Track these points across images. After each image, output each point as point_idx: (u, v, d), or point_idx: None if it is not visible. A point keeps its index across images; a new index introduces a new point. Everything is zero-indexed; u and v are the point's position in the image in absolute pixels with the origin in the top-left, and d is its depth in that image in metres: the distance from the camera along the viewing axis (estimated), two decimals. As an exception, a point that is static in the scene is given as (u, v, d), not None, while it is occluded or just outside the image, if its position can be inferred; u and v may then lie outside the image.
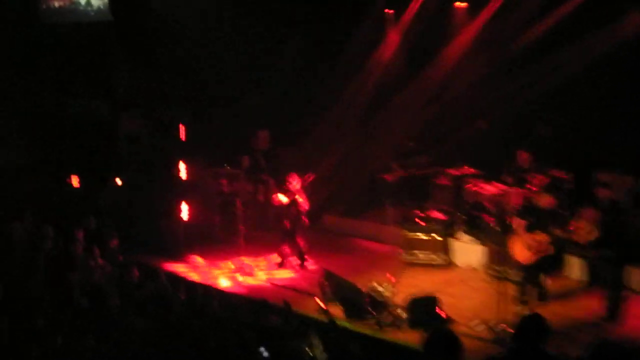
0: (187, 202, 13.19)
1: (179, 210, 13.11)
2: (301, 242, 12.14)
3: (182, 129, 13.42)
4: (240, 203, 12.92)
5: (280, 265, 12.23)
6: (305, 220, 12.05)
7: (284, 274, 12.02)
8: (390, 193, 13.83)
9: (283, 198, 11.96)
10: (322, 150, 15.55)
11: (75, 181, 14.18)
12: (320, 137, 15.71)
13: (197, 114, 15.05)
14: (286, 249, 12.18)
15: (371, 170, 14.81)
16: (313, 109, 15.77)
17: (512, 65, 13.46)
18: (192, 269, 12.48)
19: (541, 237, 9.51)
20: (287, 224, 12.12)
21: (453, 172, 13.45)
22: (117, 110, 14.81)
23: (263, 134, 15.60)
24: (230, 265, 12.42)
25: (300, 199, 11.92)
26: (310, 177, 12.11)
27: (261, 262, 12.59)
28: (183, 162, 13.29)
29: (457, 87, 14.27)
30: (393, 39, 15.39)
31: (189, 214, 13.19)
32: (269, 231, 14.10)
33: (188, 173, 13.37)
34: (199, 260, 12.80)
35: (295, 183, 11.96)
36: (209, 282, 11.59)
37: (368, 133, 15.49)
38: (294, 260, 12.27)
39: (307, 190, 12.30)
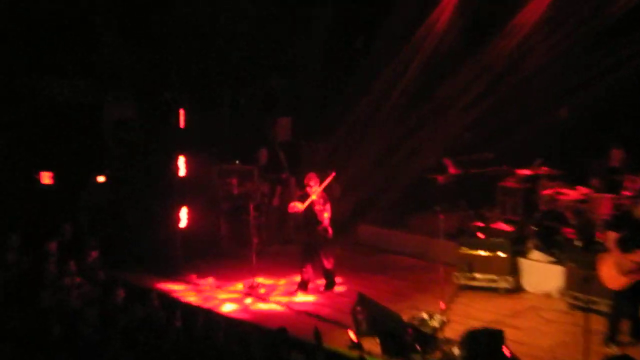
0: (187, 206, 13.17)
1: (177, 217, 13.07)
2: (325, 259, 12.02)
3: (182, 115, 13.35)
4: (253, 208, 12.86)
5: (301, 286, 12.13)
6: (330, 231, 11.92)
7: (306, 298, 11.93)
8: (442, 198, 13.64)
9: (299, 205, 11.83)
10: (356, 144, 15.58)
11: (46, 178, 14.23)
12: (353, 128, 15.72)
13: (202, 96, 14.96)
14: (308, 267, 12.09)
15: (418, 169, 14.74)
16: (345, 93, 15.73)
17: (600, 38, 13.26)
18: (192, 289, 12.44)
19: (638, 256, 9.23)
20: (307, 236, 12.04)
21: (523, 172, 13.31)
22: (101, 90, 14.82)
23: (284, 123, 15.63)
24: (240, 286, 12.41)
25: (320, 205, 11.78)
26: (330, 176, 11.99)
27: (278, 282, 12.62)
28: (183, 156, 13.26)
29: (529, 65, 14.11)
30: (447, 5, 15.20)
31: (189, 221, 13.16)
32: (288, 244, 14.09)
33: (189, 170, 13.34)
34: (200, 279, 12.74)
35: (314, 185, 11.83)
36: (212, 306, 11.56)
37: (414, 123, 15.41)
38: (319, 280, 12.25)
39: (332, 193, 12.19)
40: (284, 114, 15.84)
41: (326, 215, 11.80)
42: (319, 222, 11.79)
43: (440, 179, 14.07)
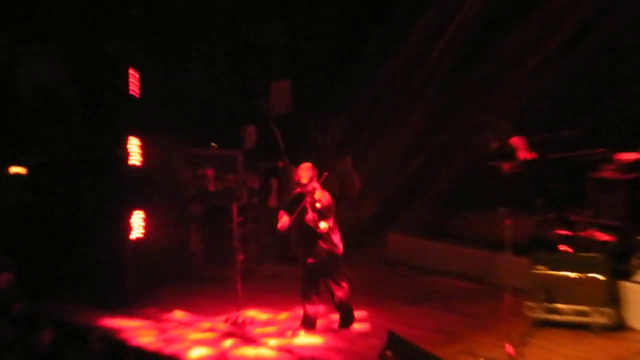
0: (142, 209, 13.14)
1: (128, 224, 12.96)
2: (335, 285, 11.74)
3: (132, 78, 13.19)
4: (237, 211, 12.64)
5: (305, 324, 11.97)
6: (339, 246, 11.62)
7: (313, 340, 11.72)
8: (507, 195, 13.34)
9: (284, 217, 11.54)
10: (384, 119, 15.60)
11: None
12: (380, 96, 15.75)
13: (162, 51, 14.90)
14: (313, 297, 11.94)
15: (472, 153, 14.80)
16: (369, 47, 15.79)
17: None
18: (150, 327, 12.26)
19: None
20: (305, 255, 11.73)
21: (626, 156, 13.07)
22: (16, 42, 14.62)
23: (281, 88, 15.46)
24: (219, 323, 12.32)
25: (315, 211, 11.35)
26: (323, 176, 11.64)
27: (277, 317, 12.64)
28: (135, 136, 13.18)
29: (633, 4, 13.82)
30: None
31: (147, 231, 13.15)
32: (290, 262, 14.11)
33: (145, 157, 13.35)
34: (162, 312, 12.63)
35: (306, 182, 11.43)
36: (178, 351, 11.36)
37: (466, 89, 15.38)
38: (332, 315, 12.15)
39: (353, 187, 11.93)
40: (281, 76, 15.69)
41: (323, 225, 11.35)
42: (318, 236, 11.44)
43: (506, 167, 13.95)
